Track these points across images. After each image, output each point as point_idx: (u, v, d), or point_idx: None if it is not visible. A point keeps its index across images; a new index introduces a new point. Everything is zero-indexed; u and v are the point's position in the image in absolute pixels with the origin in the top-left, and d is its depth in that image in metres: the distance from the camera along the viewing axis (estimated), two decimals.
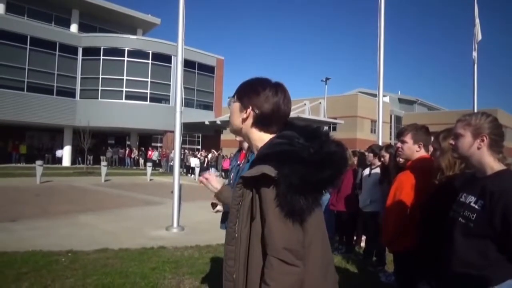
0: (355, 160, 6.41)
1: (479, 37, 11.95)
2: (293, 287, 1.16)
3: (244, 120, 1.38)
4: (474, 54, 12.07)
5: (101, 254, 5.33)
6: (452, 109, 51.14)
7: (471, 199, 1.76)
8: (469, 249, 1.71)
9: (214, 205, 3.13)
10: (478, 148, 1.78)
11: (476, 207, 1.71)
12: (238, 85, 1.44)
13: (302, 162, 1.19)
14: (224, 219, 3.01)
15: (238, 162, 3.08)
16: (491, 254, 1.65)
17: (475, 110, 11.12)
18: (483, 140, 1.77)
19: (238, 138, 3.06)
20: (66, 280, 4.28)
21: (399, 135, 2.98)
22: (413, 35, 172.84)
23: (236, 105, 1.40)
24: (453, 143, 1.88)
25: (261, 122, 1.36)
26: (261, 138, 1.36)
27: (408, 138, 2.87)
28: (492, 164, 1.76)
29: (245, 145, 3.05)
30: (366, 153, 5.74)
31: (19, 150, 26.66)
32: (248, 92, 1.38)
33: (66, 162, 27.68)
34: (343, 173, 1.29)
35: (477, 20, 11.98)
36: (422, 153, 2.86)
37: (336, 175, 1.25)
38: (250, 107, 1.35)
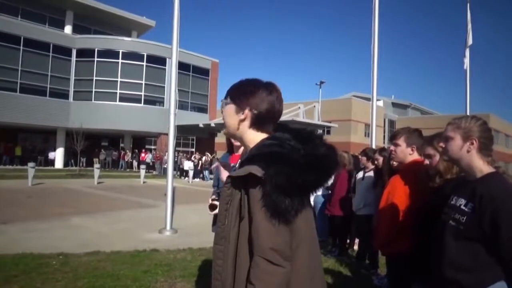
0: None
1: (470, 41, 12.08)
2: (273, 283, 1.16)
3: (241, 121, 1.38)
4: (466, 60, 12.19)
5: (92, 256, 5.28)
6: (445, 113, 51.51)
7: (462, 202, 1.78)
8: (459, 252, 1.72)
9: (212, 207, 3.11)
10: (468, 151, 1.79)
11: (466, 209, 1.73)
12: (229, 87, 1.45)
13: (289, 163, 1.20)
14: (216, 222, 2.97)
15: (232, 164, 3.06)
16: (481, 256, 1.66)
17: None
18: (472, 143, 1.79)
19: (237, 143, 3.05)
20: (56, 283, 4.23)
21: (393, 138, 2.99)
22: (407, 40, 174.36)
23: (231, 107, 1.39)
24: (443, 145, 1.90)
25: (258, 122, 1.37)
26: (255, 139, 1.37)
27: (401, 141, 2.88)
28: (482, 167, 1.78)
29: (241, 148, 3.04)
30: (360, 157, 5.75)
31: (15, 152, 26.37)
32: (244, 93, 1.38)
33: (59, 164, 27.44)
34: (330, 176, 1.31)
35: (469, 26, 12.11)
36: (415, 156, 2.86)
37: (323, 178, 1.26)
38: (248, 108, 1.36)
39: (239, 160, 2.94)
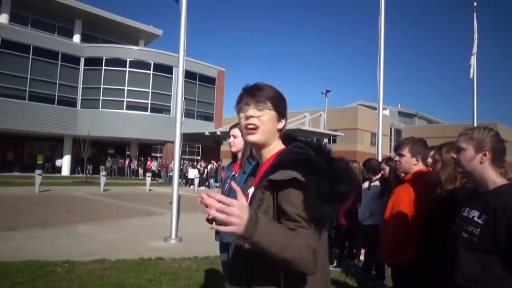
0: None
1: (475, 49, 12.05)
2: (303, 256, 1.14)
3: (279, 130, 1.40)
4: (472, 69, 12.15)
5: (98, 264, 5.28)
6: (452, 122, 51.27)
7: (474, 214, 1.75)
8: (472, 264, 1.69)
9: (211, 221, 3.10)
10: (481, 163, 1.78)
11: (480, 221, 1.70)
12: (263, 89, 1.37)
13: (325, 172, 1.21)
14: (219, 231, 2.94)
15: (233, 172, 3.06)
16: (495, 268, 1.63)
17: (475, 124, 11.15)
18: (485, 155, 1.77)
19: (234, 149, 3.05)
20: None
21: (397, 148, 2.98)
22: (414, 49, 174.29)
23: (273, 113, 1.36)
24: (455, 156, 1.88)
25: (282, 132, 1.42)
26: (277, 148, 1.39)
27: (405, 152, 2.87)
28: (495, 178, 1.76)
29: (239, 156, 3.04)
30: (362, 168, 5.74)
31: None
32: (284, 103, 1.41)
33: (65, 171, 27.62)
34: (357, 188, 1.32)
35: (476, 35, 12.09)
36: (420, 166, 2.85)
37: (354, 189, 1.28)
38: (285, 118, 1.41)
39: (240, 169, 2.95)
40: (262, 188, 1.28)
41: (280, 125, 1.38)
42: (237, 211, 1.05)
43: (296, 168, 1.21)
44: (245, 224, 1.05)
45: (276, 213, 1.23)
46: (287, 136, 1.43)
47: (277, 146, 1.39)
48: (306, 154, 1.28)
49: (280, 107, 1.37)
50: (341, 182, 1.21)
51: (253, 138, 1.36)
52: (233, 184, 1.16)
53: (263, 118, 1.34)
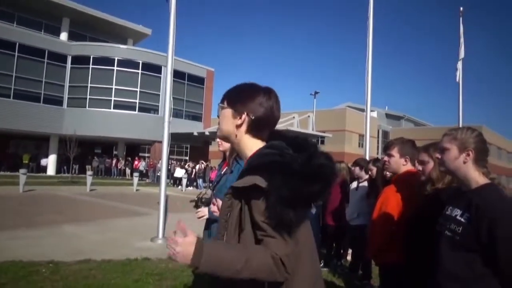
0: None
1: (462, 54, 12.27)
2: (263, 272, 1.15)
3: (238, 126, 1.34)
4: (458, 72, 12.37)
5: (83, 265, 5.21)
6: (438, 125, 51.98)
7: (457, 212, 1.78)
8: (455, 262, 1.72)
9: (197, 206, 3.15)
10: (464, 162, 1.81)
11: (462, 220, 1.73)
12: (226, 91, 1.41)
13: (292, 174, 1.17)
14: (207, 226, 2.99)
15: (222, 171, 3.06)
16: (477, 266, 1.66)
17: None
18: (468, 155, 1.80)
19: (222, 148, 3.05)
20: None
21: (386, 148, 3.00)
22: (401, 52, 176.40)
23: (228, 111, 1.36)
24: (439, 156, 1.91)
25: (255, 128, 1.34)
26: (251, 145, 1.34)
27: (394, 152, 2.90)
28: (477, 178, 1.79)
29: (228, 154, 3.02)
30: (352, 168, 5.76)
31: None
32: (242, 97, 1.35)
33: (51, 171, 27.17)
34: (332, 187, 1.28)
35: (462, 39, 12.30)
36: (408, 167, 2.88)
37: (326, 188, 1.23)
38: (245, 113, 1.33)
39: (227, 168, 2.94)
40: (229, 195, 1.27)
41: (238, 121, 1.34)
42: (178, 248, 1.13)
43: (262, 172, 1.18)
44: (191, 257, 1.12)
45: (250, 221, 1.21)
46: (273, 133, 1.39)
47: (250, 144, 1.35)
48: (278, 155, 1.22)
49: (236, 102, 1.35)
50: (310, 183, 1.17)
51: (218, 136, 1.48)
52: (178, 224, 1.17)
53: (220, 117, 1.40)
